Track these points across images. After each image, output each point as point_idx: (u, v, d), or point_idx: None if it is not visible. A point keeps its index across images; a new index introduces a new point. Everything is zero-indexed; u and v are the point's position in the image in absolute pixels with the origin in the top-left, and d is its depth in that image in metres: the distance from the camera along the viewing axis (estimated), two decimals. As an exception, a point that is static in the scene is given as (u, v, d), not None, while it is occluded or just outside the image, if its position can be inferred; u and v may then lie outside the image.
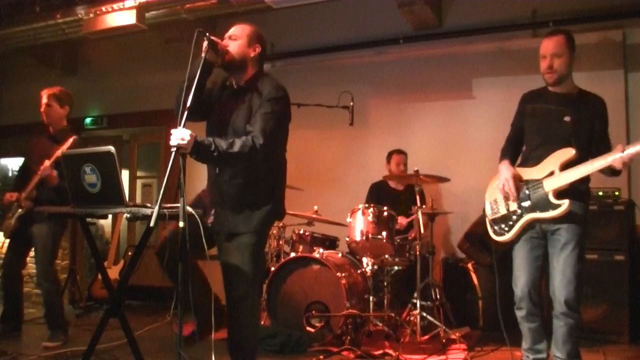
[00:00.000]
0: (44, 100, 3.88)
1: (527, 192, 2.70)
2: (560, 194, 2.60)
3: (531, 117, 2.82)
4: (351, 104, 4.06)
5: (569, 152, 2.60)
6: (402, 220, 4.43)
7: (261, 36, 2.63)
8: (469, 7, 4.97)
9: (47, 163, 3.58)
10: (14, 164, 6.90)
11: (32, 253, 3.99)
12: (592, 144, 2.66)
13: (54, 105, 3.87)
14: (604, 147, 2.59)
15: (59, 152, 3.52)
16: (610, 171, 2.53)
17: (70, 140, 3.56)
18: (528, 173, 2.74)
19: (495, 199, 2.85)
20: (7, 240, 3.89)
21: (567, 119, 2.69)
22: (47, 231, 3.75)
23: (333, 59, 5.44)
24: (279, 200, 2.66)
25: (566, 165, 2.60)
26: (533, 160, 2.75)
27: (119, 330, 2.51)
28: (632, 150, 2.41)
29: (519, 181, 2.73)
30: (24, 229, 3.77)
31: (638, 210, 4.01)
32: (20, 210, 3.74)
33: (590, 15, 4.48)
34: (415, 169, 4.04)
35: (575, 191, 2.62)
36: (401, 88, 5.28)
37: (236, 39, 2.55)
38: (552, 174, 2.63)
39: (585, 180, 2.68)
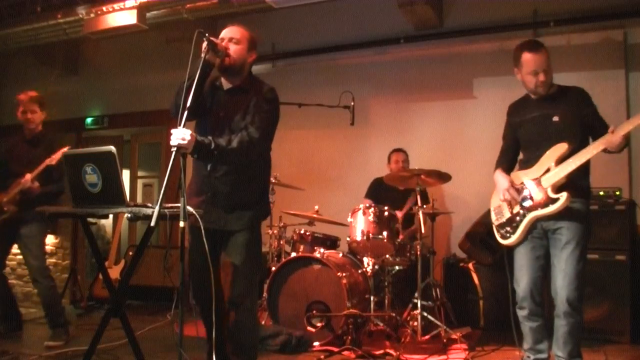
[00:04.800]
0: (25, 107, 3.85)
1: (526, 192, 2.71)
2: (559, 189, 2.61)
3: (522, 127, 2.85)
4: (352, 103, 4.07)
5: (562, 147, 2.62)
6: (398, 214, 4.40)
7: (256, 42, 2.68)
8: (470, 7, 4.96)
9: (28, 177, 3.57)
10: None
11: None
12: (591, 130, 2.66)
13: (37, 111, 3.87)
14: (602, 128, 2.59)
15: (42, 166, 3.56)
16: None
17: (57, 155, 3.52)
18: (526, 174, 2.76)
19: (500, 205, 2.87)
20: None
21: (555, 119, 2.71)
22: (38, 230, 3.80)
23: (334, 58, 5.43)
24: (266, 199, 2.74)
25: (561, 160, 2.61)
26: (532, 162, 2.77)
27: (120, 330, 2.51)
28: (620, 131, 2.43)
29: (515, 186, 2.76)
30: (6, 230, 3.77)
31: (639, 210, 4.01)
32: (4, 214, 3.71)
33: (591, 15, 4.47)
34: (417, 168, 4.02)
35: (576, 187, 2.62)
36: (402, 88, 5.27)
37: (237, 43, 2.56)
38: (548, 170, 2.65)
39: (585, 175, 2.70)
